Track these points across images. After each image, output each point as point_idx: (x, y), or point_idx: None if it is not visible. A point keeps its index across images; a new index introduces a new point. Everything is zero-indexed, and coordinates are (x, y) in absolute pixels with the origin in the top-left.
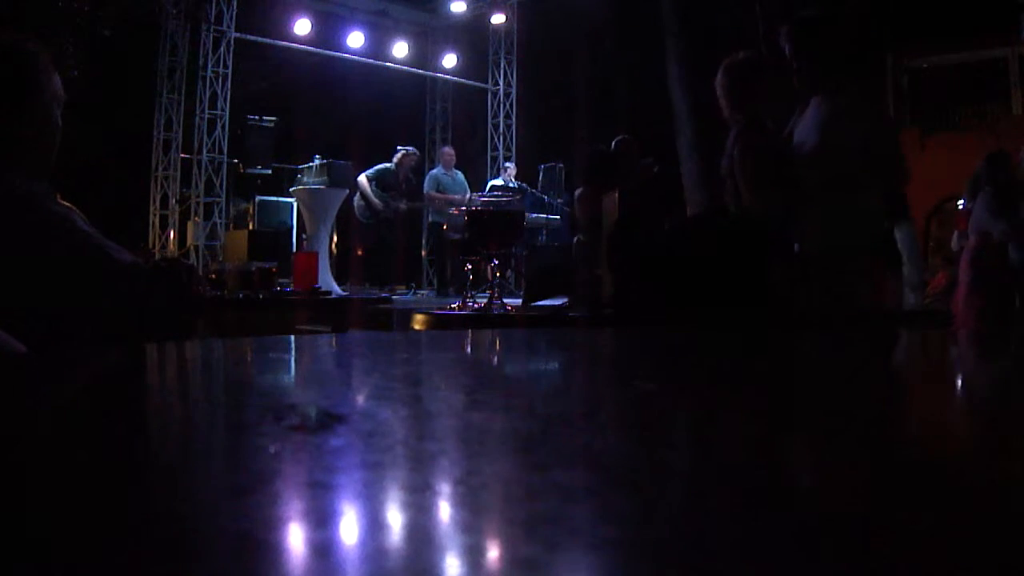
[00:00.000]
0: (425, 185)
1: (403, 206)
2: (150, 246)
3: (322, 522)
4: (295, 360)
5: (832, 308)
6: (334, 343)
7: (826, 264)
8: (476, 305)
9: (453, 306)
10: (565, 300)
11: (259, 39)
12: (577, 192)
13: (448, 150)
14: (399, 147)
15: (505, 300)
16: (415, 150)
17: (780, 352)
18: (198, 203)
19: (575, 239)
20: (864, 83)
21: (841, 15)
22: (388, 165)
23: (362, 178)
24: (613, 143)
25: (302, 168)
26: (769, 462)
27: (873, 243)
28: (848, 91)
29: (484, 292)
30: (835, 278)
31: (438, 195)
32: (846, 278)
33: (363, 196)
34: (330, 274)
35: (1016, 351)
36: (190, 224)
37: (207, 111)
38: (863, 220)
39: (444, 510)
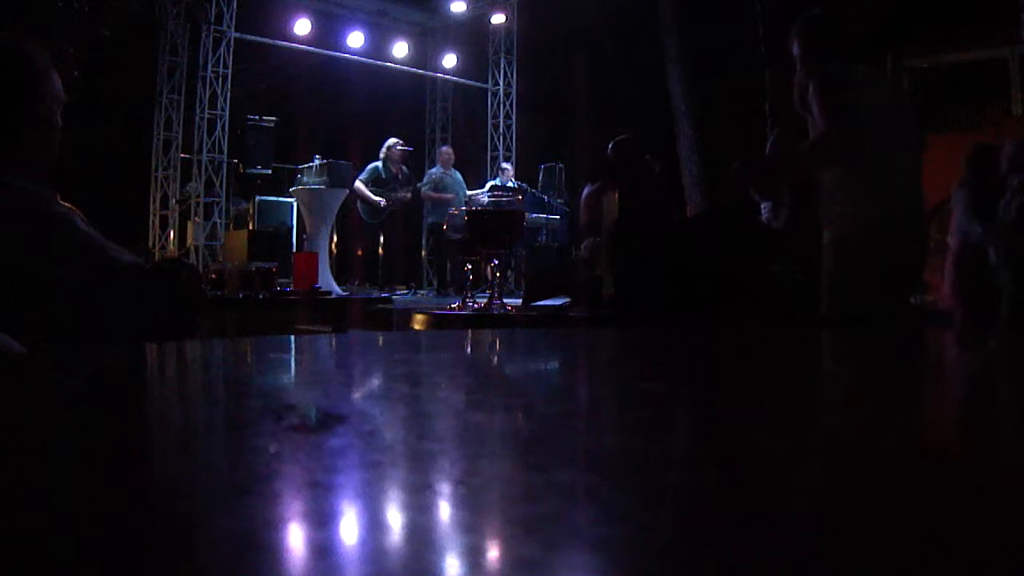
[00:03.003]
0: (423, 181)
1: (407, 194)
2: (150, 246)
3: (322, 522)
4: (295, 360)
5: (861, 294)
6: (334, 343)
7: (855, 249)
8: (476, 305)
9: (453, 306)
10: (565, 300)
11: (259, 39)
12: (584, 193)
13: (446, 149)
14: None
15: (505, 300)
16: (399, 141)
17: (778, 351)
18: (198, 203)
19: (585, 243)
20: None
21: (848, 13)
22: (376, 164)
23: (357, 184)
24: (612, 143)
25: (302, 168)
26: (768, 461)
27: (906, 224)
28: (856, 70)
29: (484, 292)
30: (865, 262)
31: (433, 194)
32: (877, 262)
33: (364, 200)
34: (330, 274)
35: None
36: (190, 224)
37: (207, 111)
38: (894, 199)
39: (444, 510)
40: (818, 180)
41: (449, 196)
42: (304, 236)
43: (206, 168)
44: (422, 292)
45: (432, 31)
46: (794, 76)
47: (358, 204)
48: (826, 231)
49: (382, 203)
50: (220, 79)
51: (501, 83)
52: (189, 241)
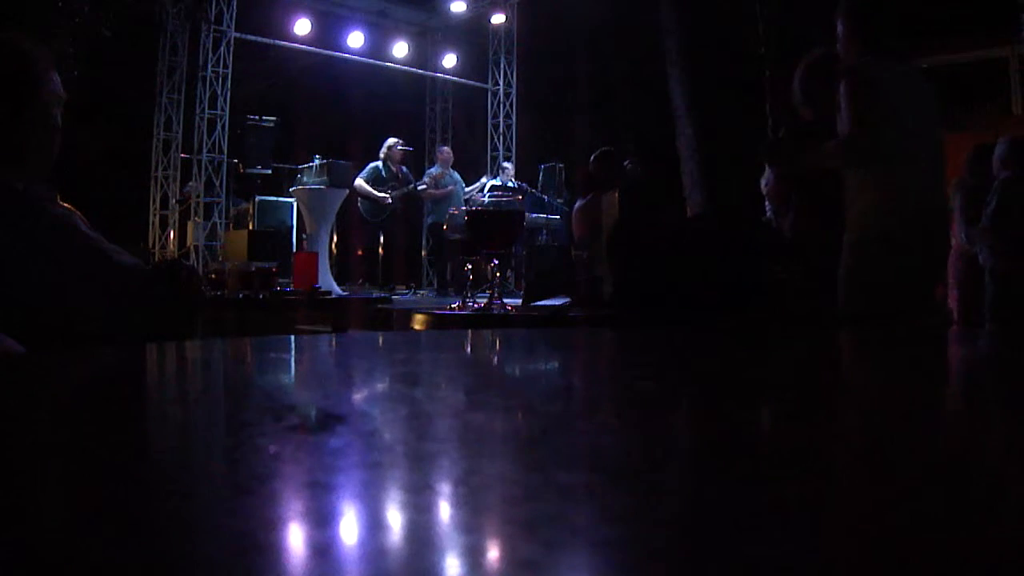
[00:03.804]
0: (423, 179)
1: (408, 189)
2: (150, 246)
3: (322, 522)
4: (295, 360)
5: (881, 293)
6: (334, 343)
7: (877, 248)
8: (476, 305)
9: (453, 306)
10: (565, 300)
11: (259, 39)
12: (575, 207)
13: (445, 149)
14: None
15: (505, 300)
16: (399, 140)
17: (777, 351)
18: (198, 203)
19: (575, 254)
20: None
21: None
22: (377, 163)
23: (359, 182)
24: (592, 158)
25: (302, 168)
26: (768, 461)
27: (928, 224)
28: (892, 66)
29: (484, 292)
30: (878, 269)
31: (432, 191)
32: (899, 261)
33: (366, 197)
34: (330, 274)
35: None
36: (190, 224)
37: (207, 111)
38: (917, 199)
39: (444, 510)
40: (830, 179)
41: (448, 189)
42: (304, 236)
43: (206, 168)
44: (422, 292)
45: (432, 31)
46: (794, 72)
47: (359, 203)
48: (848, 230)
49: (387, 199)
50: (220, 79)
51: (501, 83)
52: (189, 241)
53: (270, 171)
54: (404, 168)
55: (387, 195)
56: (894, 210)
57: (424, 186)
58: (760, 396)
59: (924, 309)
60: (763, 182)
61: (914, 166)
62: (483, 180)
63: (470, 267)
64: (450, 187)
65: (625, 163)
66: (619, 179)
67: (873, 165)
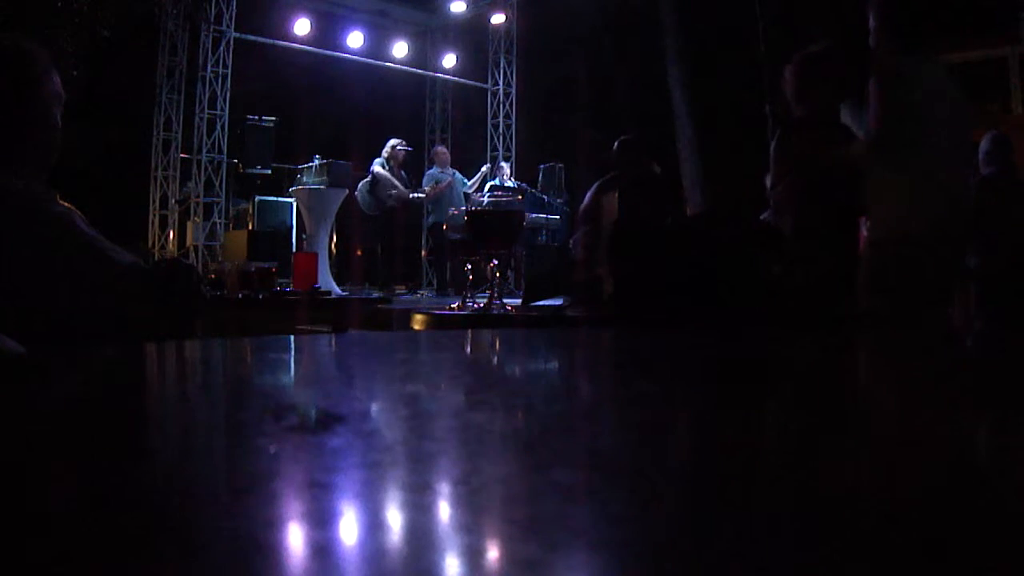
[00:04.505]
0: (423, 184)
1: (406, 193)
2: (150, 246)
3: (322, 522)
4: (295, 360)
5: (896, 299)
6: (333, 343)
7: (893, 253)
8: (476, 305)
9: (453, 306)
10: (565, 300)
11: (259, 39)
12: (596, 185)
13: (441, 149)
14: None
15: (505, 300)
16: (402, 141)
17: (776, 351)
18: (197, 203)
19: (575, 236)
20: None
21: None
22: (381, 160)
23: (381, 171)
24: (616, 142)
25: (302, 168)
26: (769, 461)
27: (952, 224)
28: (922, 62)
29: (484, 292)
30: (903, 268)
31: (435, 187)
32: (916, 268)
33: (388, 186)
34: (330, 274)
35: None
36: (190, 224)
37: (207, 111)
38: (938, 203)
39: (444, 510)
40: (833, 179)
41: (447, 182)
42: (304, 236)
43: (206, 168)
44: (422, 292)
45: (432, 31)
46: (788, 68)
47: (357, 197)
48: (871, 230)
49: (405, 195)
50: (220, 79)
51: (501, 83)
52: (189, 241)
53: (270, 171)
54: (403, 173)
55: (405, 193)
56: (919, 211)
57: (423, 195)
58: (760, 396)
59: (939, 309)
60: (768, 182)
61: (940, 165)
62: (483, 169)
63: (470, 267)
64: (447, 180)
65: (645, 160)
66: (631, 170)
67: (899, 164)
